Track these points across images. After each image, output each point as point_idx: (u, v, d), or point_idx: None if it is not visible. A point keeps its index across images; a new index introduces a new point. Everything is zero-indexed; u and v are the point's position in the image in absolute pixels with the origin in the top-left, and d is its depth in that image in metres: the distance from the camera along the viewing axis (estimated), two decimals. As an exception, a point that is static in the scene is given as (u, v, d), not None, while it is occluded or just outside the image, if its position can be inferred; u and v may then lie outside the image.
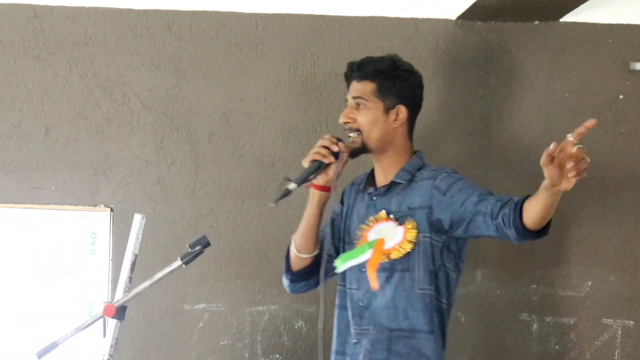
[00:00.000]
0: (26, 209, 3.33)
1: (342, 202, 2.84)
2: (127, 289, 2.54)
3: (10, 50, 3.34)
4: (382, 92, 2.67)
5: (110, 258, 3.32)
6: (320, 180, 2.64)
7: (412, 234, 2.57)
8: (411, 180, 2.67)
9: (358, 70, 2.71)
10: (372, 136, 2.67)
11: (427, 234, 2.59)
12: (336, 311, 2.77)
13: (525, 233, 2.36)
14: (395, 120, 2.68)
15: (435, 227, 2.59)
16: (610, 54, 3.38)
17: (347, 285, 2.72)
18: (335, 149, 2.61)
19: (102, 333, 3.05)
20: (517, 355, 3.36)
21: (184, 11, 3.35)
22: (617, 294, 3.36)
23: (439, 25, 3.36)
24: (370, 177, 2.78)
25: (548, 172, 2.12)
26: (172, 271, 2.53)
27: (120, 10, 3.34)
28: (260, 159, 3.36)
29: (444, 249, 2.62)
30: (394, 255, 2.58)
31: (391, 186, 2.68)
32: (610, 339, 3.35)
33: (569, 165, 2.04)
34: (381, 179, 2.73)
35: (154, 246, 3.31)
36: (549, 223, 2.35)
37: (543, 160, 2.09)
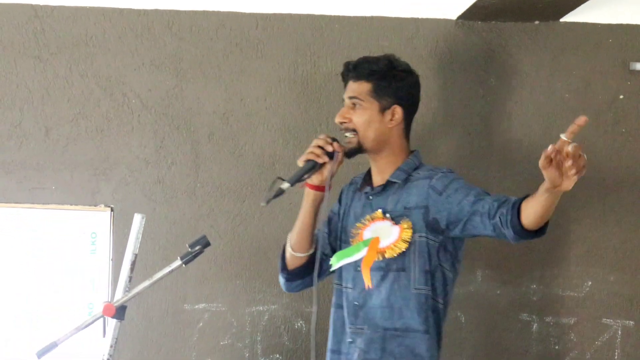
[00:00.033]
0: (26, 208, 3.33)
1: (340, 201, 2.85)
2: (127, 289, 2.54)
3: (10, 50, 3.34)
4: (377, 93, 2.67)
5: (110, 258, 3.32)
6: (314, 179, 2.64)
7: (408, 234, 2.57)
8: (407, 179, 2.67)
9: (354, 70, 2.71)
10: (368, 136, 2.67)
11: (424, 234, 2.59)
12: (332, 310, 2.77)
13: (523, 233, 2.36)
14: (391, 120, 2.68)
15: (432, 226, 2.58)
16: (610, 54, 3.38)
17: (343, 284, 2.73)
18: (329, 148, 2.61)
19: (102, 333, 3.04)
20: (517, 355, 3.35)
21: (184, 11, 3.35)
22: (617, 294, 3.36)
23: (439, 25, 3.36)
24: (367, 176, 2.78)
25: (547, 174, 2.11)
26: (172, 271, 2.53)
27: (120, 10, 3.34)
28: (260, 159, 3.36)
29: (441, 249, 2.61)
30: (389, 254, 2.57)
31: (387, 185, 2.68)
32: (610, 339, 3.35)
33: (568, 163, 2.04)
34: (377, 179, 2.73)
35: (154, 246, 3.31)
36: (546, 223, 2.35)
37: (541, 162, 2.09)
